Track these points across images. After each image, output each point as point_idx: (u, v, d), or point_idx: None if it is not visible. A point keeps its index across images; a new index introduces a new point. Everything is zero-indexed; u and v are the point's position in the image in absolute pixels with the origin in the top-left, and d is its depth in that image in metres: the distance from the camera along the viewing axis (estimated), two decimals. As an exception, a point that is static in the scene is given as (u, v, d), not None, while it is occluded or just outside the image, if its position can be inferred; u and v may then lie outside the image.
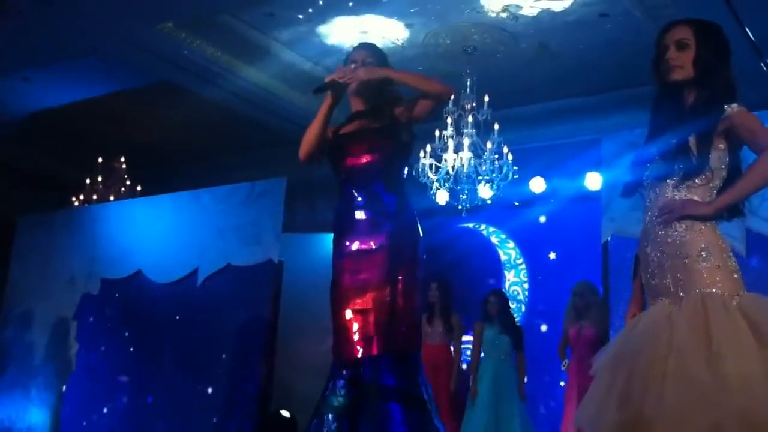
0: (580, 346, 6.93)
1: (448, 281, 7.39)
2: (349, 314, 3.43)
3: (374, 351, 3.35)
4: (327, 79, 3.56)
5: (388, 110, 3.60)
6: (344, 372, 3.40)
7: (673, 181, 2.81)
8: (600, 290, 6.83)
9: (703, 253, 2.72)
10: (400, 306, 3.41)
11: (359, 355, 3.36)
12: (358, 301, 3.42)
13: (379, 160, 3.55)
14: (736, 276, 2.73)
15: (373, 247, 3.45)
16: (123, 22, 6.39)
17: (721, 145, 2.79)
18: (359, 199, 3.52)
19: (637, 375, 2.60)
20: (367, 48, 3.78)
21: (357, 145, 3.58)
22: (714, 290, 2.67)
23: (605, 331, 6.59)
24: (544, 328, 8.23)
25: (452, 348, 7.22)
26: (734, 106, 2.77)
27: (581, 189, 7.54)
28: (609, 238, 6.68)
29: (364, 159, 3.55)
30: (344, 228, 3.55)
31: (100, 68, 7.22)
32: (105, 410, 6.34)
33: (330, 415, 3.36)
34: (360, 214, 3.51)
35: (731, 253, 2.79)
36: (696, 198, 2.78)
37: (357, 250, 3.49)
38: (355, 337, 3.39)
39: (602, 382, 2.76)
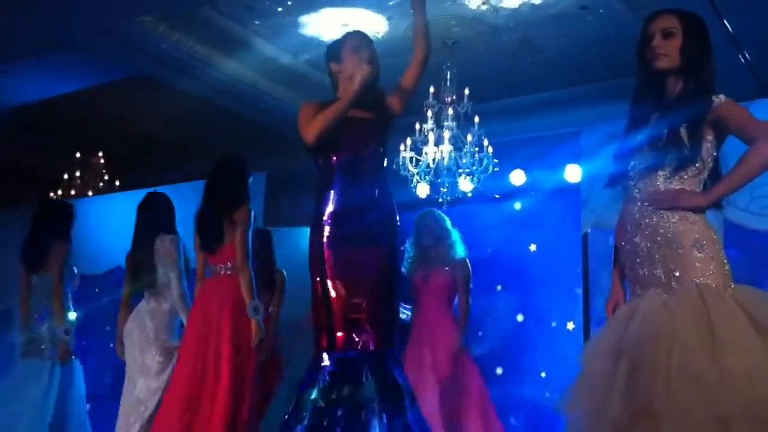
0: (425, 297, 5.47)
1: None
2: (343, 308, 3.37)
3: (371, 346, 3.32)
4: (362, 76, 3.42)
5: (383, 102, 3.58)
6: (333, 366, 3.36)
7: (664, 172, 2.81)
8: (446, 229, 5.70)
9: (697, 243, 2.73)
10: (392, 301, 3.43)
11: (356, 350, 3.33)
12: (353, 295, 3.36)
13: (375, 151, 3.52)
14: (727, 268, 2.75)
15: (369, 238, 3.42)
16: (102, 15, 6.34)
17: (709, 137, 2.79)
18: (353, 189, 3.46)
19: (641, 368, 2.59)
20: (370, 40, 3.69)
21: (357, 134, 3.51)
22: (708, 281, 2.69)
23: (465, 278, 5.46)
24: (520, 317, 8.26)
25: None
26: (721, 96, 2.78)
27: (561, 181, 7.56)
28: (589, 230, 6.73)
29: (363, 149, 3.50)
30: (333, 218, 3.46)
31: (78, 62, 7.16)
32: (88, 407, 6.29)
33: (311, 408, 3.32)
34: (352, 205, 3.45)
35: (721, 245, 2.81)
36: (687, 189, 2.79)
37: (349, 243, 3.43)
38: (351, 332, 3.34)
39: (598, 373, 2.74)
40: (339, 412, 3.25)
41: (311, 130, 3.39)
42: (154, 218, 5.20)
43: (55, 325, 5.38)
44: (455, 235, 5.63)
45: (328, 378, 3.33)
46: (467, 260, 5.61)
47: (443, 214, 5.70)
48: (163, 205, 5.30)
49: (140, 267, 5.05)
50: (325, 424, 3.25)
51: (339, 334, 3.35)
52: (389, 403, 3.24)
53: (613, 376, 2.66)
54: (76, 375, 5.58)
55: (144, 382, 4.92)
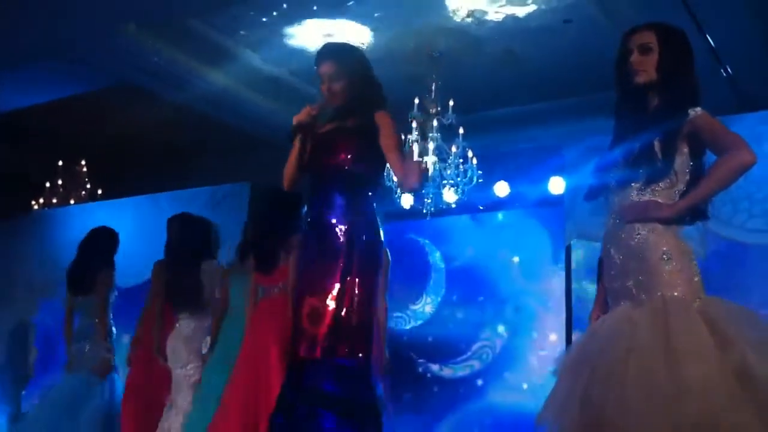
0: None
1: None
2: (300, 314, 3.41)
3: (317, 354, 3.32)
4: (295, 122, 3.50)
5: (367, 111, 3.52)
6: (292, 372, 3.41)
7: (637, 185, 2.83)
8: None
9: (664, 256, 2.74)
10: (356, 312, 3.36)
11: (302, 356, 3.35)
12: (314, 303, 3.37)
13: (345, 160, 3.47)
14: (696, 279, 2.76)
15: (332, 249, 3.40)
16: (87, 26, 6.32)
17: (684, 149, 2.81)
18: (325, 199, 3.47)
19: (597, 377, 2.61)
20: (333, 57, 3.56)
21: (323, 145, 3.52)
22: (675, 293, 2.69)
23: (384, 267, 4.36)
24: (502, 329, 8.27)
25: None
26: (697, 109, 2.79)
27: (545, 193, 7.59)
28: (572, 242, 6.75)
29: (334, 160, 3.48)
30: (308, 228, 3.51)
31: (63, 71, 7.13)
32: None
33: (280, 413, 3.38)
34: (324, 216, 3.46)
35: (693, 257, 2.82)
36: (659, 201, 2.80)
37: (317, 252, 3.45)
38: (303, 338, 3.37)
39: (564, 383, 2.77)
40: (283, 418, 3.32)
41: (284, 182, 3.61)
42: (198, 244, 5.45)
43: (98, 342, 5.65)
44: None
45: (287, 383, 3.42)
46: (386, 249, 5.15)
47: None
48: (206, 231, 5.56)
49: (182, 287, 5.30)
50: (281, 427, 3.33)
51: (297, 341, 3.40)
52: (324, 416, 3.23)
53: (574, 387, 2.67)
54: (118, 389, 5.79)
55: (186, 392, 5.17)
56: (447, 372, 8.27)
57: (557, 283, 7.35)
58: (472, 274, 8.49)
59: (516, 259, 8.30)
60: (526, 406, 7.54)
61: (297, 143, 3.54)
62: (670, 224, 2.79)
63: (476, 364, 8.15)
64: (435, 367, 8.24)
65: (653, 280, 2.73)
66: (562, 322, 7.15)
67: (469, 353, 8.22)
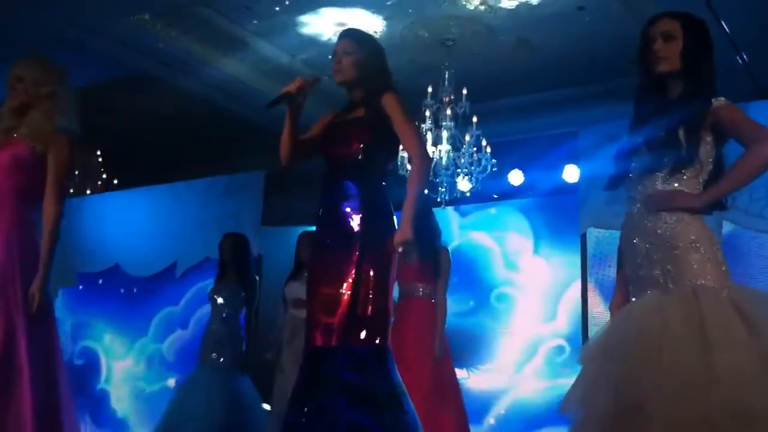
0: None
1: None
2: (315, 303, 3.43)
3: (333, 342, 3.32)
4: (283, 91, 3.51)
5: (375, 100, 3.52)
6: (308, 361, 3.42)
7: (662, 174, 2.83)
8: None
9: (693, 244, 2.75)
10: (371, 300, 3.37)
11: (318, 345, 3.36)
12: (328, 292, 3.39)
13: (357, 150, 3.48)
14: (724, 268, 2.76)
15: (345, 238, 3.42)
16: (98, 14, 6.34)
17: (708, 138, 2.81)
18: (335, 189, 3.49)
19: (632, 366, 2.61)
20: (350, 37, 3.65)
21: (336, 135, 3.56)
22: (704, 282, 2.69)
23: (62, 163, 3.64)
24: (518, 317, 8.24)
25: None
26: (721, 99, 2.79)
27: (559, 181, 7.57)
28: (586, 231, 6.73)
29: (341, 149, 3.52)
30: (319, 217, 3.55)
31: (74, 60, 7.14)
32: (83, 405, 6.34)
33: (297, 404, 3.37)
34: (334, 205, 3.48)
35: (719, 246, 2.82)
36: (685, 190, 2.81)
37: (329, 240, 3.48)
38: (318, 327, 3.38)
39: (593, 370, 2.77)
40: (301, 405, 3.32)
41: (282, 158, 3.65)
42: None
43: None
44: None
45: (303, 373, 3.42)
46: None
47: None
48: None
49: None
50: (300, 416, 3.32)
51: (311, 330, 3.41)
52: (340, 404, 3.22)
53: (606, 376, 2.67)
54: None
55: None
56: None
57: (573, 271, 7.32)
58: (486, 263, 8.48)
59: (531, 246, 8.29)
60: (537, 396, 7.55)
61: (288, 120, 3.57)
62: (697, 214, 2.80)
63: (493, 354, 8.14)
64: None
65: (682, 269, 2.73)
66: (578, 311, 7.13)
67: (483, 343, 8.21)
